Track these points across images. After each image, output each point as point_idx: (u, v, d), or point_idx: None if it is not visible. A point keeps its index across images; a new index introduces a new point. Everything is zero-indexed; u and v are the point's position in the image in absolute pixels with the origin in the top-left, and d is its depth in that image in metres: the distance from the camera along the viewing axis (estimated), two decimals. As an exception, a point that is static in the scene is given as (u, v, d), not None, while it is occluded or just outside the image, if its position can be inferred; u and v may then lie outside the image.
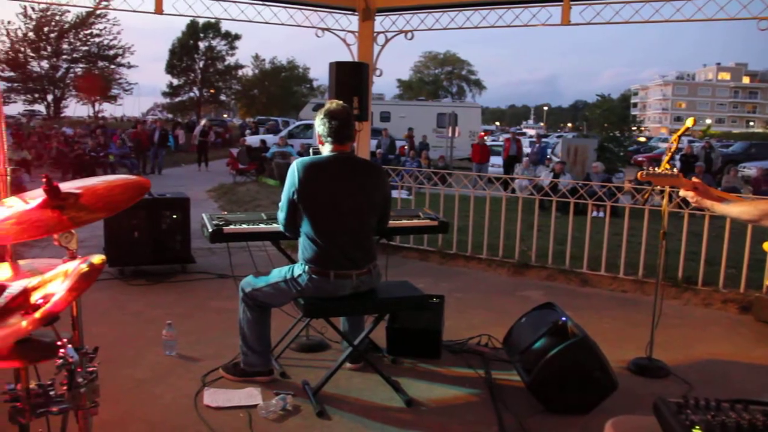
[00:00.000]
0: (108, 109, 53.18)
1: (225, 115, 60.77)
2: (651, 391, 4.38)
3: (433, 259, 8.33)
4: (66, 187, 1.93)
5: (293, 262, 4.31)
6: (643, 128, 54.83)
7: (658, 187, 5.05)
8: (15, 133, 24.00)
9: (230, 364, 4.47)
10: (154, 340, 4.93)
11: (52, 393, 1.90)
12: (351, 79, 7.03)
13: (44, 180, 1.84)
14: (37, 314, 1.60)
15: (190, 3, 8.13)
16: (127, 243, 6.95)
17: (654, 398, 1.96)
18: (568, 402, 3.99)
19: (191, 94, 56.09)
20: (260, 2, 8.46)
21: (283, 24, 8.57)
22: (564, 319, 4.30)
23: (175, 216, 7.21)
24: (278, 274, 4.12)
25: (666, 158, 4.18)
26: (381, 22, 8.78)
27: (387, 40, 8.77)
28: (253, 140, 24.36)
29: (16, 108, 46.21)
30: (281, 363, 4.64)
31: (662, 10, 6.93)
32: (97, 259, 1.79)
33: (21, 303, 1.76)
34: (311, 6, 8.61)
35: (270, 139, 24.59)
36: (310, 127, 26.69)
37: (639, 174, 3.81)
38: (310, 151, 4.47)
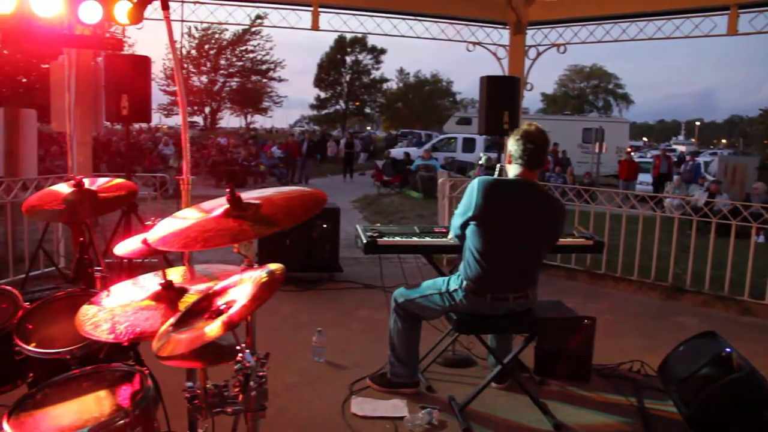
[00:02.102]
0: (259, 121, 55.77)
1: (368, 128, 61.95)
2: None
3: (580, 279, 8.07)
4: (246, 197, 2.00)
5: (443, 275, 4.30)
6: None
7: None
8: (176, 143, 25.58)
9: (377, 374, 4.51)
10: (303, 346, 5.06)
11: (226, 394, 1.99)
12: (502, 93, 6.96)
13: (228, 190, 1.93)
14: (222, 321, 1.67)
15: (345, 19, 8.37)
16: (279, 250, 7.18)
17: None
18: (733, 440, 3.72)
19: (337, 107, 57.65)
20: (412, 17, 8.59)
21: (434, 38, 8.66)
22: (728, 350, 4.01)
23: (325, 225, 7.40)
24: (432, 286, 4.11)
25: None
26: (532, 36, 8.68)
27: (538, 54, 8.64)
28: (397, 153, 24.68)
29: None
30: (427, 376, 4.63)
31: None
32: (276, 268, 1.85)
33: (205, 307, 1.85)
34: (463, 20, 8.64)
35: (413, 151, 24.82)
36: (453, 140, 26.77)
37: None
38: (497, 168, 4.43)
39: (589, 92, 67.97)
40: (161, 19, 2.80)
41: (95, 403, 2.11)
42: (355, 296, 6.89)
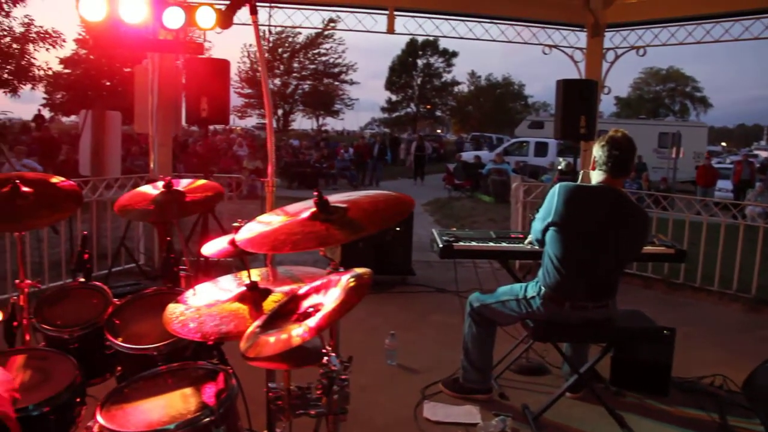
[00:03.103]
0: (330, 123, 56.32)
1: (439, 131, 61.82)
2: None
3: (657, 288, 7.85)
4: (332, 200, 2.02)
5: (519, 281, 4.25)
6: None
7: None
8: (250, 144, 26.04)
9: (450, 380, 4.49)
10: (376, 348, 5.08)
11: (309, 396, 2.01)
12: (578, 97, 6.85)
13: (315, 194, 1.95)
14: (311, 324, 1.68)
15: (420, 22, 8.39)
16: (352, 252, 7.22)
17: None
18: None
19: (408, 110, 57.71)
20: (488, 20, 8.54)
21: (510, 41, 8.59)
22: (823, 367, 3.84)
23: (398, 228, 7.40)
24: (509, 292, 4.06)
25: None
26: (611, 38, 8.51)
27: (617, 57, 8.47)
28: (467, 156, 24.55)
29: (251, 121, 50.23)
30: (500, 383, 4.58)
31: None
32: (364, 272, 1.86)
33: (292, 309, 1.87)
34: (539, 23, 8.54)
35: (484, 155, 24.63)
36: (525, 144, 26.45)
37: None
38: (579, 174, 4.36)
39: (665, 95, 66.15)
40: (248, 24, 2.85)
41: (181, 400, 2.16)
42: (427, 300, 6.87)
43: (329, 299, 1.81)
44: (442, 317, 6.11)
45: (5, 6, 24.11)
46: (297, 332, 1.67)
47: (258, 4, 2.54)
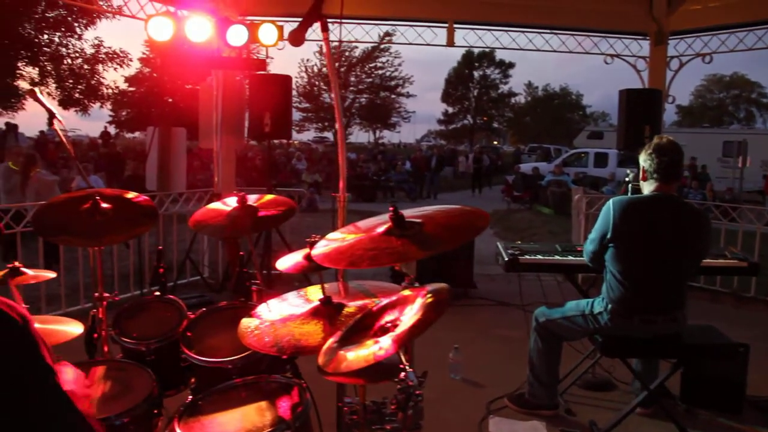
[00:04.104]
0: (386, 136, 56.56)
1: (495, 142, 61.43)
2: None
3: (725, 302, 7.62)
4: (407, 214, 2.02)
5: (586, 296, 4.18)
6: None
7: None
8: (308, 158, 26.35)
9: (515, 395, 4.45)
10: (440, 362, 5.05)
11: (384, 411, 2.02)
12: (642, 106, 6.73)
13: (391, 209, 1.95)
14: (391, 340, 1.69)
15: (480, 34, 8.37)
16: (414, 265, 7.21)
17: None
18: None
19: (465, 122, 57.58)
20: (548, 31, 8.47)
21: (571, 52, 8.51)
22: None
23: (459, 241, 7.36)
24: (575, 307, 4.01)
25: None
26: (675, 46, 8.35)
27: (681, 65, 8.31)
28: (526, 168, 24.33)
29: (309, 135, 50.87)
30: (566, 399, 4.51)
31: None
32: (441, 288, 1.86)
33: (369, 324, 1.88)
34: (601, 32, 8.43)
35: (542, 166, 24.35)
36: (584, 155, 26.07)
37: None
38: (628, 187, 4.30)
39: (729, 102, 64.42)
40: (318, 40, 2.89)
41: (257, 413, 2.19)
42: (490, 313, 6.83)
43: (407, 315, 1.82)
44: (505, 331, 6.06)
45: (77, 29, 25.10)
46: (377, 348, 1.68)
47: (329, 20, 2.58)
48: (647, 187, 3.82)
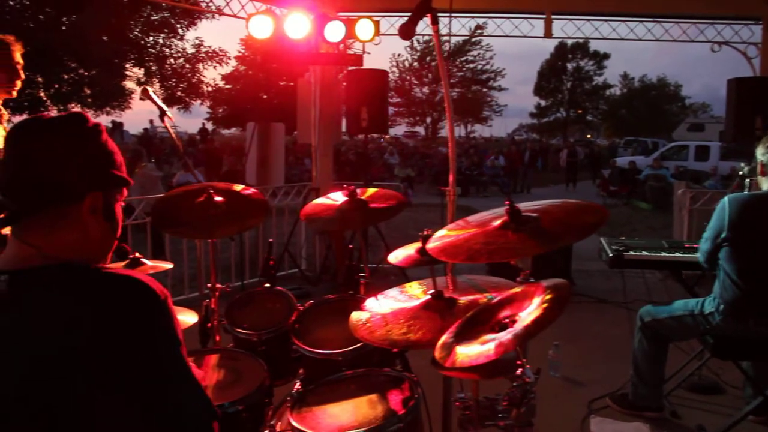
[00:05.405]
0: (478, 130, 56.23)
1: (588, 136, 60.01)
2: None
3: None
4: (523, 208, 2.00)
5: (695, 296, 4.03)
6: None
7: None
8: (400, 152, 26.45)
9: (618, 394, 4.34)
10: (538, 359, 4.97)
11: (497, 407, 2.00)
12: (753, 96, 6.44)
13: (507, 204, 1.94)
14: (511, 336, 1.67)
15: (578, 25, 8.19)
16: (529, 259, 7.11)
17: None
18: None
19: (558, 115, 56.50)
20: (650, 19, 8.20)
21: (675, 40, 8.21)
22: None
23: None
24: (683, 306, 3.87)
25: None
26: (791, 30, 7.91)
27: (798, 51, 7.86)
28: (622, 161, 23.65)
29: (400, 129, 51.13)
30: (671, 401, 4.36)
31: None
32: (560, 284, 1.83)
33: (485, 319, 1.87)
34: (707, 19, 8.08)
35: (639, 160, 23.61)
36: (684, 148, 25.16)
37: None
38: (743, 182, 4.12)
39: None
40: (428, 35, 2.89)
41: (368, 406, 2.21)
42: (589, 310, 6.67)
43: (525, 311, 1.80)
44: (606, 328, 5.92)
45: (179, 30, 26.13)
46: (496, 344, 1.67)
47: (439, 14, 2.57)
48: (765, 184, 3.64)
